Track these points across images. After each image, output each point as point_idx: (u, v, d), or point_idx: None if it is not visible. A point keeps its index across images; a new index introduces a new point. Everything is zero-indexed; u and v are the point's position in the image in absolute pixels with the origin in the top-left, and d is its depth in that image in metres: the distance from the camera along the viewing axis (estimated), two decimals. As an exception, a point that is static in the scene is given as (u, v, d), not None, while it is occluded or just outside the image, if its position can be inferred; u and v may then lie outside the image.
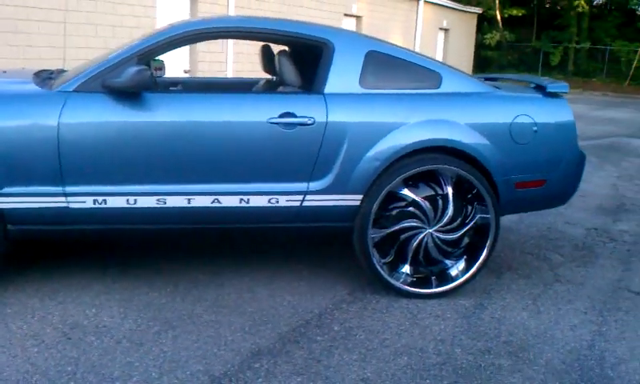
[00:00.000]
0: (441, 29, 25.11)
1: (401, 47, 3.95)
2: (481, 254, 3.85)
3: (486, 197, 3.74)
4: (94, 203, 3.42)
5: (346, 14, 19.25)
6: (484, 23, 30.12)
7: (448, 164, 3.67)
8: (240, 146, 3.49)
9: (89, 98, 3.38)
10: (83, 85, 3.41)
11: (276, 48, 4.43)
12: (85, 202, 3.41)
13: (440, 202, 3.74)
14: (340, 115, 3.58)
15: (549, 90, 3.97)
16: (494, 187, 3.79)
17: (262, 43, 4.48)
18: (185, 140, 3.44)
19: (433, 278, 3.88)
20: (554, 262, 4.56)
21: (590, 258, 4.69)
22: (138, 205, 3.46)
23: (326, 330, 3.35)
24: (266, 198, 3.57)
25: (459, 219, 3.79)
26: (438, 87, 3.81)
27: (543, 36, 30.97)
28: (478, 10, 27.79)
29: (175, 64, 13.02)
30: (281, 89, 3.92)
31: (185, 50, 13.60)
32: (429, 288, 3.85)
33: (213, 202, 3.53)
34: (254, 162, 3.52)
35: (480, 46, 29.23)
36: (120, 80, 3.31)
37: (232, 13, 14.28)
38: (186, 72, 13.61)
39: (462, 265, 3.90)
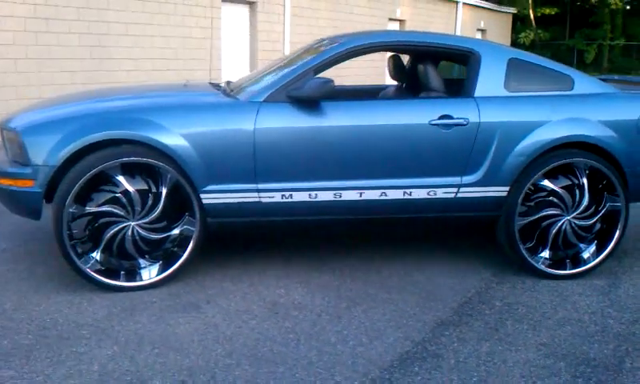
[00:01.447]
0: (478, 29, 25.53)
1: (536, 55, 4.42)
2: (612, 239, 4.30)
3: (617, 186, 4.19)
4: (282, 198, 3.93)
5: (390, 18, 19.75)
6: (517, 23, 30.37)
7: (584, 157, 4.12)
8: (405, 145, 3.99)
9: (277, 106, 3.90)
10: (271, 96, 3.92)
11: (404, 58, 4.92)
12: (274, 196, 3.93)
13: (577, 191, 4.18)
14: (490, 116, 4.07)
15: (668, 89, 4.41)
16: (623, 177, 4.23)
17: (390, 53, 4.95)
18: (357, 141, 3.95)
19: (567, 261, 4.32)
20: (663, 247, 4.98)
21: None
22: (319, 199, 3.97)
23: (490, 306, 3.82)
24: (426, 190, 4.06)
25: (593, 207, 4.23)
26: (572, 89, 4.28)
27: (577, 34, 31.19)
28: (513, 10, 28.14)
29: (235, 72, 13.56)
30: (423, 94, 4.40)
31: (246, 60, 14.16)
32: (564, 270, 4.30)
33: (380, 195, 4.02)
34: (416, 158, 4.01)
35: (515, 45, 29.52)
36: (307, 91, 3.82)
37: (288, 21, 14.83)
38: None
39: (592, 249, 4.34)
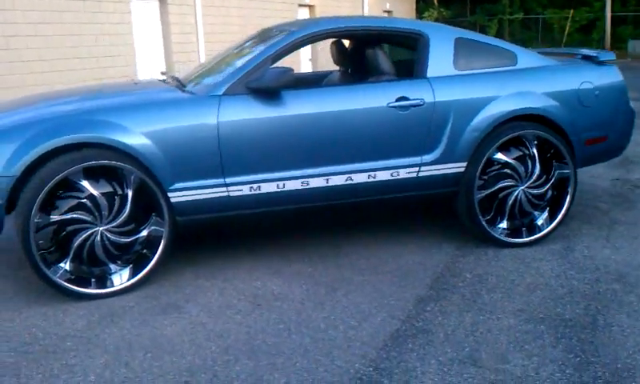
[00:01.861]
0: (384, 11, 25.96)
1: (479, 34, 4.59)
2: (563, 205, 4.54)
3: (565, 154, 4.42)
4: (250, 190, 3.93)
5: (300, 5, 19.80)
6: (419, 2, 31.06)
7: (533, 128, 4.33)
8: (366, 129, 4.07)
9: (237, 99, 3.89)
10: (230, 88, 3.91)
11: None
12: (242, 189, 3.92)
13: (529, 161, 4.39)
14: (444, 95, 4.20)
15: (600, 58, 4.68)
16: (570, 146, 4.47)
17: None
18: (320, 128, 3.99)
19: (523, 229, 4.53)
20: (602, 209, 5.30)
21: (629, 203, 5.45)
22: (286, 188, 3.99)
23: (462, 279, 3.97)
24: (389, 172, 4.16)
25: (544, 176, 4.45)
26: (515, 64, 4.48)
27: (478, 10, 32.22)
28: (416, -10, 28.71)
29: (150, 67, 13.33)
30: (373, 78, 4.49)
31: (160, 54, 13.91)
32: (522, 238, 4.50)
33: (346, 180, 4.09)
34: (378, 141, 4.10)
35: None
36: (267, 81, 3.83)
37: (200, 12, 14.64)
38: (163, 74, 13.87)
39: (545, 215, 4.57)
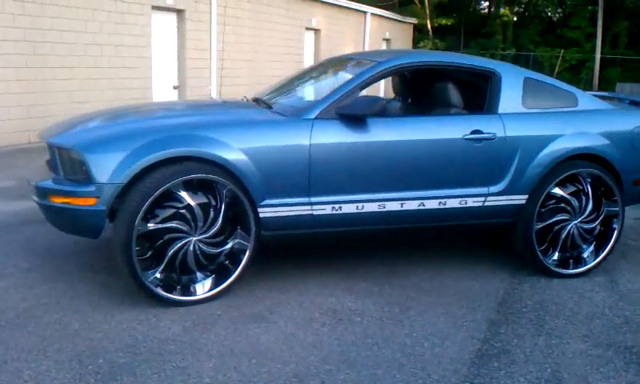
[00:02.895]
0: (384, 39, 26.49)
1: (544, 75, 4.90)
2: (610, 240, 4.83)
3: (616, 192, 4.72)
4: (332, 210, 4.17)
5: (307, 28, 20.18)
6: (416, 33, 31.66)
7: (589, 167, 4.62)
8: (442, 158, 4.33)
9: (328, 123, 4.13)
10: (321, 113, 4.15)
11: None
12: (325, 209, 4.15)
13: (583, 198, 4.68)
14: (513, 130, 4.49)
15: (650, 105, 5.02)
16: (620, 185, 4.77)
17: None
18: (400, 155, 4.25)
19: (571, 261, 4.81)
20: (633, 246, 5.64)
21: None
22: (365, 210, 4.23)
23: (524, 305, 4.23)
24: (458, 200, 4.42)
25: (595, 212, 4.74)
26: (576, 105, 4.78)
27: (472, 43, 32.87)
28: (414, 21, 29.33)
29: (165, 80, 13.54)
30: (439, 110, 4.77)
31: (174, 67, 14.15)
32: (569, 269, 4.78)
33: (419, 205, 4.34)
34: (451, 170, 4.37)
35: (416, 55, 30.79)
36: (359, 108, 4.09)
37: (215, 29, 14.93)
38: (175, 88, 14.13)
39: (591, 249, 4.86)
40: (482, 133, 4.38)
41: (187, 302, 3.95)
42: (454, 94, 4.69)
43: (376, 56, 4.69)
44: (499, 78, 4.60)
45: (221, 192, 3.91)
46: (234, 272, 4.05)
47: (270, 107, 4.51)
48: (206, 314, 3.82)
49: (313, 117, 4.11)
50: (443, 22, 33.31)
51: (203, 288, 4.01)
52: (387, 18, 26.13)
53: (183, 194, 3.82)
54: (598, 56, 28.68)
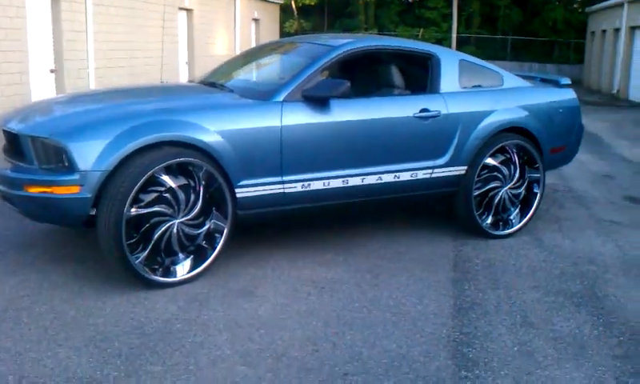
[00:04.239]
0: (253, 19, 26.67)
1: (474, 57, 5.41)
2: (534, 203, 5.45)
3: (538, 160, 5.35)
4: (302, 187, 4.44)
5: (180, 8, 19.96)
6: (281, 13, 32.05)
7: (517, 139, 5.21)
8: (396, 135, 4.72)
9: (294, 105, 4.38)
10: (288, 95, 4.40)
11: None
12: (295, 186, 4.42)
13: (511, 166, 5.26)
14: (454, 108, 4.96)
15: (562, 83, 5.69)
16: (541, 153, 5.40)
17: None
18: (361, 134, 4.59)
19: (501, 223, 5.40)
20: (542, 209, 6.31)
21: (559, 203, 6.60)
22: (331, 186, 4.54)
23: (475, 264, 4.72)
24: (410, 173, 4.84)
25: (521, 178, 5.35)
26: (502, 84, 5.34)
27: (337, 23, 33.75)
28: (280, 1, 29.67)
29: (42, 64, 13.05)
30: (385, 90, 5.16)
31: (50, 50, 13.62)
32: (501, 230, 5.36)
33: (377, 179, 4.71)
34: (404, 146, 4.77)
35: (284, 35, 31.19)
36: (325, 90, 4.37)
37: (90, 10, 14.50)
38: (52, 71, 13.62)
39: (516, 212, 5.47)
40: (429, 111, 4.79)
41: (169, 284, 4.07)
42: (397, 76, 5.07)
43: (325, 41, 4.97)
44: (438, 60, 5.03)
45: (198, 174, 4.04)
46: (213, 252, 4.21)
47: (231, 90, 4.66)
48: (195, 293, 3.97)
49: (281, 99, 4.33)
50: (307, 2, 33.86)
51: (183, 269, 4.13)
52: (255, -2, 26.30)
53: (165, 178, 3.92)
54: (454, 35, 30.45)
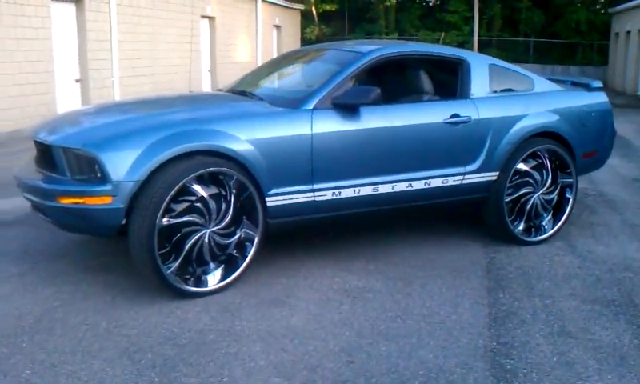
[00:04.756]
0: (274, 25, 26.74)
1: (505, 61, 5.34)
2: (566, 209, 5.36)
3: (571, 164, 5.26)
4: (332, 195, 4.40)
5: (202, 16, 20.07)
6: (302, 19, 32.12)
7: (549, 144, 5.12)
8: (426, 141, 4.67)
9: (324, 113, 4.35)
10: (318, 103, 4.36)
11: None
12: (326, 195, 4.38)
13: (544, 171, 5.18)
14: (485, 113, 4.89)
15: (593, 86, 5.60)
16: (573, 158, 5.31)
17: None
18: (391, 140, 4.54)
19: (533, 229, 5.31)
20: (574, 214, 6.20)
21: (591, 208, 6.47)
22: (361, 193, 4.49)
23: (508, 271, 4.64)
24: (440, 179, 4.78)
25: (553, 184, 5.26)
26: (533, 88, 5.26)
27: (357, 28, 33.73)
28: (301, 7, 29.75)
29: (67, 74, 13.16)
30: (414, 97, 5.11)
31: (75, 60, 13.73)
32: (532, 237, 5.28)
33: (408, 186, 4.66)
34: (435, 152, 4.71)
35: (303, 40, 31.24)
36: (355, 98, 4.33)
37: (114, 19, 14.61)
38: (77, 81, 13.74)
39: (549, 218, 5.37)
40: (460, 116, 4.74)
41: (201, 293, 4.05)
42: (427, 81, 5.02)
43: (353, 47, 4.93)
44: (468, 65, 4.98)
45: (229, 183, 4.02)
46: (244, 261, 4.19)
47: (261, 99, 4.64)
48: (227, 303, 3.94)
49: (311, 107, 4.30)
50: (327, 7, 33.90)
51: (214, 279, 4.10)
52: (276, 4, 26.38)
53: (196, 187, 3.90)
54: (475, 38, 30.24)
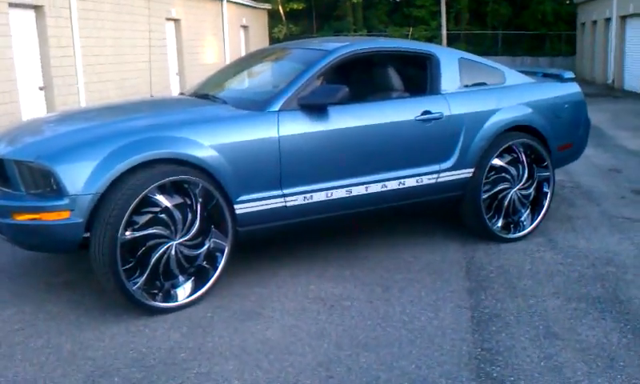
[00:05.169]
0: (242, 26, 26.47)
1: (474, 54, 5.20)
2: (544, 203, 5.24)
3: (547, 159, 5.13)
4: (304, 200, 4.22)
5: (167, 18, 19.76)
6: (269, 18, 31.87)
7: (524, 138, 4.99)
8: (398, 140, 4.50)
9: (291, 114, 4.17)
10: (284, 104, 4.18)
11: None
12: (297, 199, 4.20)
13: (520, 166, 5.05)
14: (457, 108, 4.74)
15: (565, 77, 5.48)
16: (548, 151, 5.19)
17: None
18: (362, 140, 4.38)
19: (512, 225, 5.18)
20: (552, 207, 6.09)
21: (569, 201, 6.40)
22: (334, 197, 4.32)
23: (488, 271, 4.50)
24: (415, 179, 4.62)
25: (530, 179, 5.13)
26: (505, 81, 5.13)
27: (326, 26, 33.57)
28: (268, 6, 29.49)
29: (29, 81, 12.82)
30: (381, 94, 4.95)
31: (37, 67, 13.38)
32: (511, 234, 5.14)
33: (382, 187, 4.50)
34: (408, 151, 4.55)
35: (273, 40, 30.98)
36: (322, 97, 4.15)
37: (76, 24, 14.28)
38: (41, 88, 13.40)
39: (527, 213, 5.25)
40: (432, 113, 4.59)
41: (170, 309, 3.84)
42: (396, 78, 4.86)
43: (319, 45, 4.76)
44: (438, 59, 4.83)
45: (194, 192, 3.82)
46: (214, 272, 4.00)
47: (224, 102, 4.44)
48: (198, 318, 3.75)
49: (277, 109, 4.12)
50: (295, 6, 33.68)
51: (185, 292, 3.91)
52: (243, 4, 26.12)
53: (159, 198, 3.71)
54: (444, 32, 30.24)
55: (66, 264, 4.62)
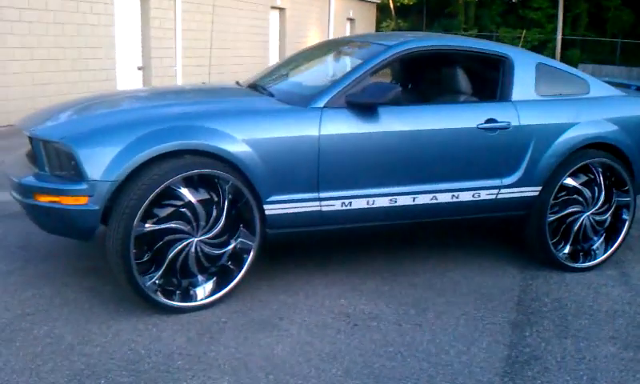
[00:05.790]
0: (348, 18, 26.21)
1: (556, 60, 4.66)
2: (621, 232, 4.64)
3: (628, 182, 4.54)
4: (342, 206, 3.88)
5: (272, 7, 19.77)
6: (378, 13, 31.47)
7: (603, 157, 4.42)
8: (455, 148, 4.08)
9: (337, 112, 3.83)
10: (330, 101, 3.84)
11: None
12: (334, 205, 3.87)
13: (595, 188, 4.48)
14: (528, 119, 4.25)
15: (658, 90, 4.84)
16: (631, 174, 4.59)
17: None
18: (413, 146, 3.99)
19: (581, 253, 4.62)
20: (635, 236, 5.45)
21: None
22: (376, 205, 3.96)
23: (542, 303, 4.03)
24: (471, 193, 4.17)
25: (607, 203, 4.55)
26: (588, 92, 4.57)
27: (436, 24, 32.77)
28: (377, 0, 29.09)
29: (129, 61, 13.03)
30: (447, 97, 4.51)
31: (138, 48, 13.62)
32: (580, 263, 4.59)
33: (432, 199, 4.09)
34: (465, 161, 4.12)
35: (379, 35, 30.61)
36: (372, 96, 3.79)
37: (179, 9, 14.42)
38: (139, 68, 13.62)
39: (601, 241, 4.67)
40: (497, 121, 4.13)
41: (188, 308, 3.64)
42: (463, 80, 4.44)
43: (382, 39, 4.40)
44: (512, 63, 4.36)
45: (223, 188, 3.58)
46: (238, 274, 3.74)
47: (271, 94, 4.17)
48: (211, 322, 3.51)
49: (322, 105, 3.80)
50: (405, 1, 33.09)
51: (204, 292, 3.69)
52: (352, -4, 25.85)
53: (184, 191, 3.48)
54: (559, 37, 28.88)
55: (100, 248, 4.49)
